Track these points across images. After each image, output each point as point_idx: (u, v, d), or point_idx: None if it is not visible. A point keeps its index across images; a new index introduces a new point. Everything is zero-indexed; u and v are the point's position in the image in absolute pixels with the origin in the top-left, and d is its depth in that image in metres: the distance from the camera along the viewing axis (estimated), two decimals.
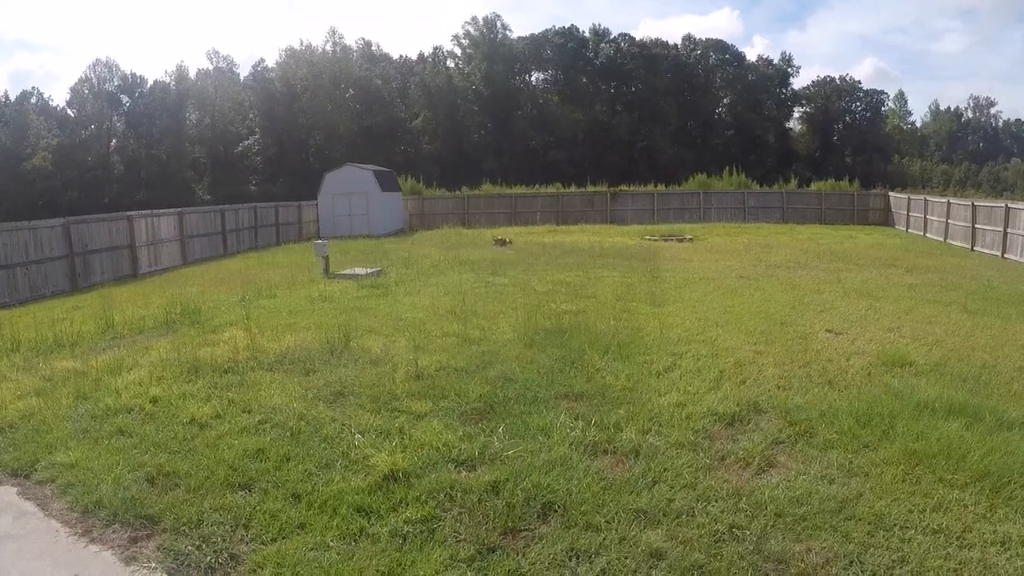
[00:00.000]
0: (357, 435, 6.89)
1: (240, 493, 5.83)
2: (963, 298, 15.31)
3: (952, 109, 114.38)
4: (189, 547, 5.08)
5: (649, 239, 31.84)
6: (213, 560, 4.94)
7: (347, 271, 19.50)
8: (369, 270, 19.35)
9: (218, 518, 5.43)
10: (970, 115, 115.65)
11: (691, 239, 31.64)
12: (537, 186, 51.85)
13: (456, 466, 6.27)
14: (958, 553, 5.24)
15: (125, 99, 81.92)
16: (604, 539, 5.17)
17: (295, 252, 29.04)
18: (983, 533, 5.50)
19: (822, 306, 14.00)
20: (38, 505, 5.82)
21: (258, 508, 5.57)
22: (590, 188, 49.63)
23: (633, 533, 5.28)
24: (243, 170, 79.67)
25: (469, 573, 4.70)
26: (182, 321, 12.52)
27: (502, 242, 24.19)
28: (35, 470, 6.37)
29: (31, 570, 4.93)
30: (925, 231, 34.74)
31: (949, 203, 31.79)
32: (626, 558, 4.96)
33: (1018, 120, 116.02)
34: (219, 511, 5.53)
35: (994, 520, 5.70)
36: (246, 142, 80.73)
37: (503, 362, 9.27)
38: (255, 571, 4.81)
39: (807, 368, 9.45)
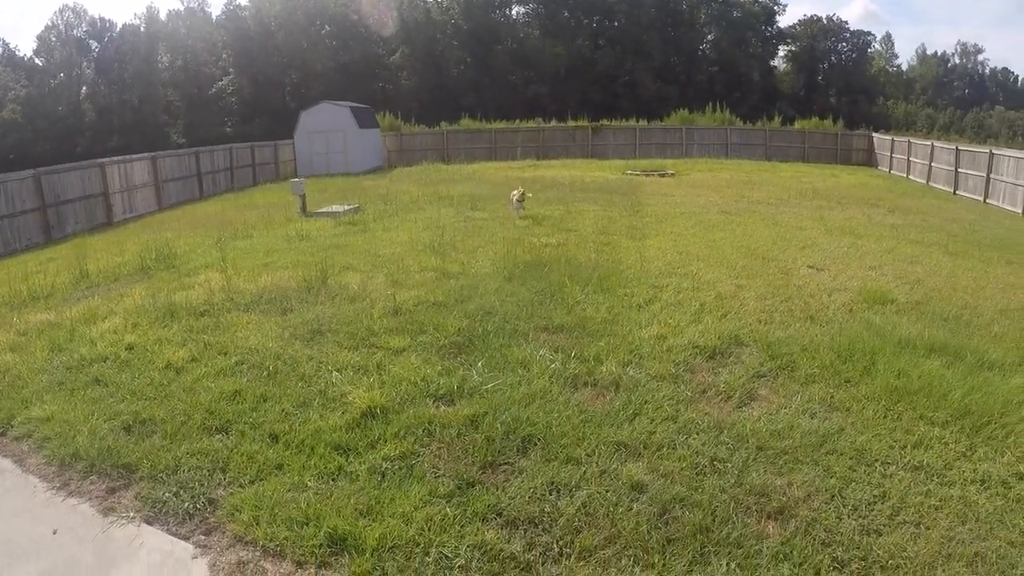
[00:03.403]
0: (334, 373, 6.76)
1: (217, 436, 5.71)
2: (945, 240, 15.32)
3: (939, 54, 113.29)
4: (166, 494, 4.97)
5: (631, 174, 31.51)
6: (191, 506, 4.85)
7: (325, 209, 19.16)
8: (347, 207, 19.03)
9: (195, 463, 5.32)
10: (956, 61, 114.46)
11: (673, 174, 31.33)
12: (518, 121, 51.08)
13: (434, 401, 6.18)
14: (939, 490, 5.24)
15: (94, 45, 79.80)
16: (584, 472, 5.12)
17: (272, 192, 28.55)
18: (963, 471, 5.50)
19: (804, 242, 13.93)
20: (15, 462, 5.65)
21: (235, 451, 5.46)
22: (571, 123, 48.87)
23: (614, 466, 5.23)
24: (218, 112, 78.01)
25: (448, 508, 4.63)
26: (157, 266, 12.25)
27: (521, 200, 17.10)
28: (11, 427, 6.17)
29: (9, 529, 4.80)
30: (908, 173, 34.57)
31: (933, 146, 31.65)
32: (607, 491, 4.92)
33: (1004, 68, 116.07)
34: (196, 456, 5.41)
35: (974, 459, 5.70)
36: (220, 83, 78.92)
37: (482, 295, 9.12)
38: (232, 515, 4.72)
39: (788, 303, 9.40)
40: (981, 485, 5.35)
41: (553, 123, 49.77)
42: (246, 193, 30.22)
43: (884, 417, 6.24)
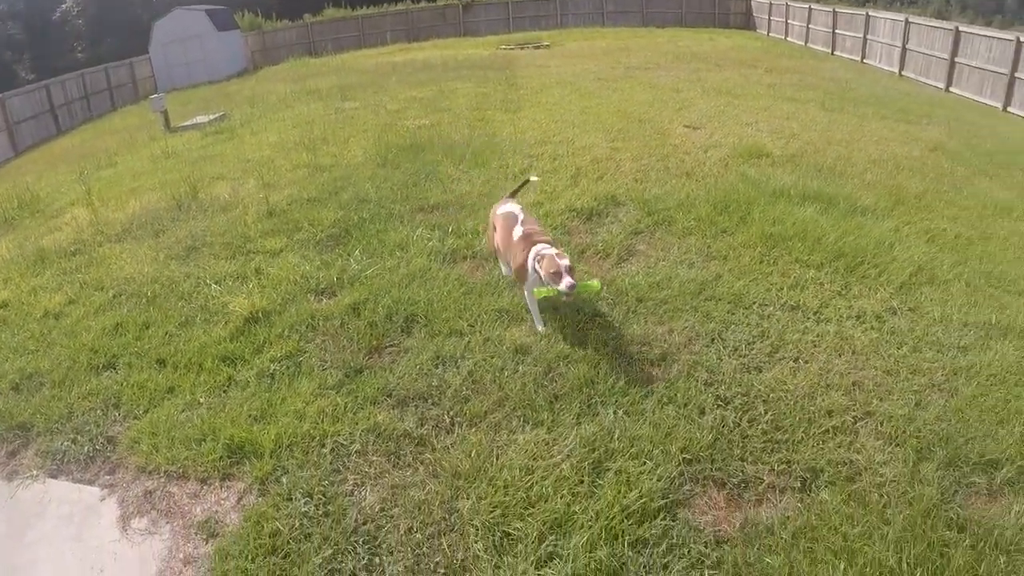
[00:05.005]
0: (213, 285, 6.52)
1: (106, 374, 5.46)
2: (821, 97, 15.50)
3: None
4: (65, 443, 4.75)
5: (505, 48, 30.56)
6: (90, 449, 4.66)
7: (189, 122, 18.08)
8: (212, 116, 18.03)
9: (88, 405, 5.09)
10: None
11: (548, 45, 30.52)
12: (385, 5, 48.70)
13: (316, 296, 6.07)
14: (815, 327, 5.47)
15: None
16: (469, 342, 5.16)
17: (133, 114, 26.73)
18: (839, 308, 5.75)
19: (680, 104, 13.88)
20: None
21: (125, 384, 5.24)
22: (440, 1, 46.88)
23: (497, 333, 5.28)
24: (66, 38, 71.71)
25: (339, 398, 4.62)
26: (21, 214, 11.34)
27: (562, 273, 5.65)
28: None
29: None
30: (786, 35, 34.43)
31: (811, 8, 31.51)
32: (492, 357, 4.98)
33: None
34: (88, 398, 5.17)
35: (849, 296, 5.96)
36: (64, 6, 72.39)
37: (356, 184, 8.86)
38: (132, 447, 4.58)
39: (665, 162, 9.45)
40: (856, 320, 5.62)
41: (422, 3, 47.58)
42: (106, 119, 28.19)
43: (760, 263, 6.44)
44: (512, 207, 5.86)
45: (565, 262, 4.87)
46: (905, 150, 10.81)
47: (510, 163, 9.42)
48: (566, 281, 4.82)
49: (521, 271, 5.30)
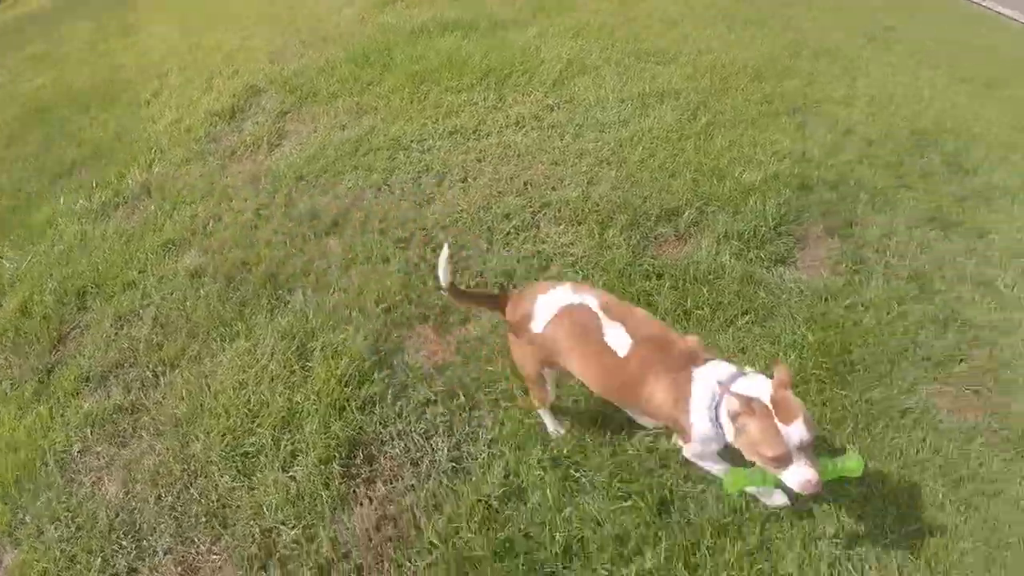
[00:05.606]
0: None
1: None
2: None
3: None
4: None
5: None
6: None
7: None
8: None
9: None
10: None
11: None
12: None
13: None
14: (477, 145, 5.61)
15: None
16: (144, 288, 4.77)
17: None
18: (497, 121, 5.88)
19: None
20: None
21: None
22: None
23: (169, 267, 4.92)
24: None
25: (41, 408, 4.08)
26: None
27: None
28: None
29: None
30: None
31: None
32: (171, 293, 4.65)
33: None
34: None
35: (505, 107, 6.10)
36: None
37: None
38: None
39: (299, 36, 8.88)
40: (516, 127, 5.77)
41: None
42: None
43: (411, 102, 6.40)
44: (569, 294, 2.87)
45: (798, 430, 2.35)
46: None
47: (139, 90, 8.45)
48: (800, 474, 2.39)
49: (676, 405, 2.64)
